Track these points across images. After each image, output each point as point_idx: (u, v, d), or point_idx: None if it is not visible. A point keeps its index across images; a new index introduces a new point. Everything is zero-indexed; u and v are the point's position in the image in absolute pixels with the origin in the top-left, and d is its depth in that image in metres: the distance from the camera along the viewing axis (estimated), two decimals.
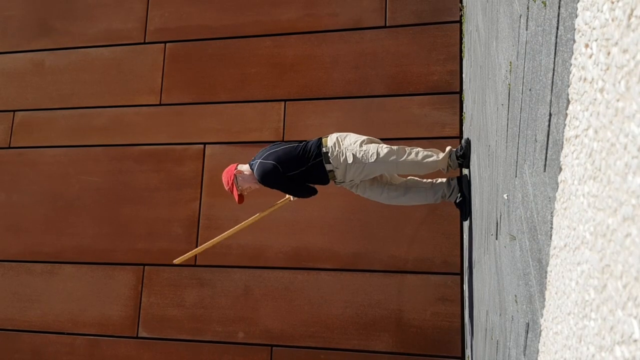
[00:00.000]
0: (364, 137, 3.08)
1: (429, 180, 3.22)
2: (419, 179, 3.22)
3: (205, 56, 4.85)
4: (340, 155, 2.98)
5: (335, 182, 3.12)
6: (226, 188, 3.16)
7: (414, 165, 3.02)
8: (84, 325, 4.59)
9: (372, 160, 2.95)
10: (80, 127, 4.99)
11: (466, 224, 3.56)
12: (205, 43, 4.88)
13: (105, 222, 4.73)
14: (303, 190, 3.11)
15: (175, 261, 3.45)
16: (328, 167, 2.99)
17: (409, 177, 3.22)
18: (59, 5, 5.32)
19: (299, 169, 2.99)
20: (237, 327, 4.29)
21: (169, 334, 4.41)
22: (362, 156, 2.97)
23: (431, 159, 3.03)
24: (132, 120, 4.88)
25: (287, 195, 3.26)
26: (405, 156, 2.99)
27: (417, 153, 3.03)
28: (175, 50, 4.93)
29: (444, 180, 3.21)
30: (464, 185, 3.14)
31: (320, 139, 3.08)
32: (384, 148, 3.00)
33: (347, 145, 3.01)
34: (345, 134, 3.11)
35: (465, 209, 3.16)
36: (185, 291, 4.45)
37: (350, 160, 2.96)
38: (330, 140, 3.05)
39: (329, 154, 2.98)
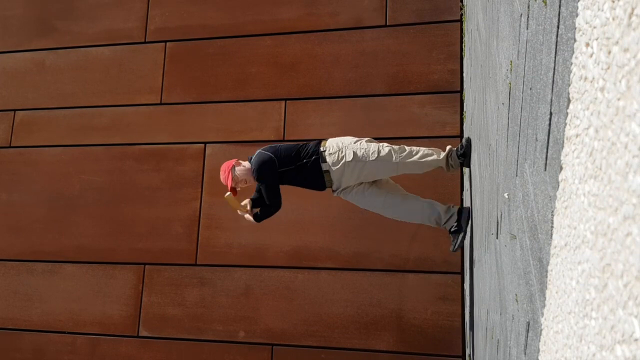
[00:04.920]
0: (364, 138, 3.09)
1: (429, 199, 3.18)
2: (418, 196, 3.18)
3: (205, 55, 4.85)
4: (340, 153, 2.97)
5: (332, 189, 3.10)
6: (222, 177, 3.12)
7: (414, 164, 3.01)
8: (84, 324, 4.59)
9: (373, 158, 2.95)
10: (81, 127, 4.99)
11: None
12: (205, 42, 4.88)
13: (105, 221, 4.74)
14: (275, 200, 3.03)
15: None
16: (324, 166, 2.97)
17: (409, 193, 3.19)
18: (60, 4, 5.32)
19: (293, 164, 3.00)
20: (238, 326, 4.29)
21: (169, 333, 4.42)
22: (363, 154, 2.96)
23: (431, 157, 3.03)
24: (132, 119, 4.89)
25: (246, 201, 3.17)
26: (405, 155, 2.99)
27: (417, 152, 3.03)
28: (176, 50, 4.93)
29: (444, 205, 3.13)
30: (463, 216, 3.03)
31: (321, 140, 3.11)
32: (384, 147, 3.00)
33: (347, 143, 3.02)
34: (343, 137, 3.13)
35: (457, 239, 3.03)
36: (186, 290, 4.45)
37: (349, 157, 2.95)
38: (331, 141, 3.07)
39: (326, 152, 2.99)
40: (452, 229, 3.06)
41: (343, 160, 2.95)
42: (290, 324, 4.20)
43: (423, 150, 3.05)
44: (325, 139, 3.12)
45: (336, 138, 3.12)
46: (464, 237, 3.02)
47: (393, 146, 3.02)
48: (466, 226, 3.02)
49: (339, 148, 2.99)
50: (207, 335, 4.34)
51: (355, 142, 3.03)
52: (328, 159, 2.96)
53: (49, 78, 5.18)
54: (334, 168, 2.96)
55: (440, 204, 3.12)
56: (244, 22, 4.83)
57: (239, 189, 3.15)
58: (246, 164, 3.12)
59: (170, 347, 4.40)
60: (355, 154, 2.96)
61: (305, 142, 3.14)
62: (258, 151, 3.09)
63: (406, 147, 3.04)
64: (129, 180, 4.77)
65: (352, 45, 4.53)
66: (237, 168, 3.09)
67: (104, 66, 5.07)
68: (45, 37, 5.28)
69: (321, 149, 3.01)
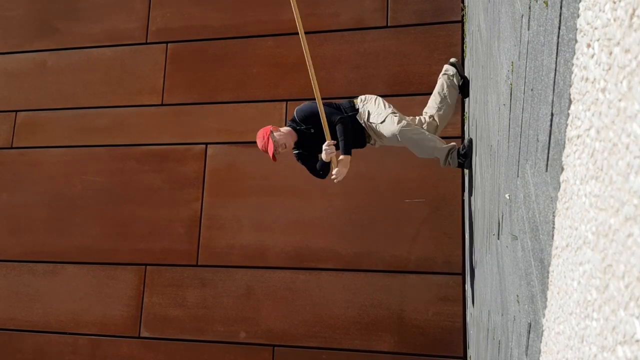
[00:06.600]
0: (388, 105, 3.26)
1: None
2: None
3: (206, 56, 4.85)
4: (363, 112, 3.22)
5: (370, 142, 3.27)
6: (260, 145, 3.14)
7: (415, 142, 3.10)
8: (86, 325, 4.60)
9: (379, 120, 3.15)
10: (83, 127, 4.99)
11: (467, 224, 3.56)
12: (206, 43, 4.88)
13: (107, 222, 4.74)
14: (346, 121, 3.10)
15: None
16: (360, 122, 3.21)
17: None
18: (61, 5, 5.32)
19: (343, 114, 3.19)
20: (239, 327, 4.29)
21: (170, 334, 4.42)
22: (375, 116, 3.18)
23: (432, 143, 3.11)
24: (134, 120, 4.89)
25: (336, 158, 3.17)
26: (410, 129, 3.10)
27: (423, 133, 3.14)
28: (177, 51, 4.93)
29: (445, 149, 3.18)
30: (467, 151, 3.12)
31: (353, 98, 3.32)
32: (395, 117, 3.14)
33: (369, 105, 3.25)
34: (370, 95, 3.34)
35: (467, 158, 3.10)
36: (187, 291, 4.45)
37: (365, 116, 3.21)
38: (359, 99, 3.30)
39: (360, 109, 3.23)
40: (462, 152, 3.13)
41: (363, 119, 3.20)
42: (291, 324, 4.20)
43: (429, 134, 3.15)
44: (357, 97, 3.32)
45: (364, 95, 3.32)
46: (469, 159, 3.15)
47: (405, 120, 3.15)
48: (470, 152, 3.13)
49: (363, 108, 3.24)
50: (208, 336, 4.34)
51: (375, 104, 3.23)
52: (358, 117, 3.22)
53: (51, 79, 5.19)
54: (365, 125, 3.22)
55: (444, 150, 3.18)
56: (245, 23, 4.83)
57: (278, 154, 3.15)
58: (284, 129, 3.19)
59: (171, 348, 4.40)
60: (369, 114, 3.20)
61: (337, 103, 3.28)
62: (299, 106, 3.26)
63: (416, 126, 3.20)
64: (130, 180, 4.78)
65: (353, 46, 4.53)
66: (275, 133, 3.12)
67: (106, 67, 5.08)
68: (47, 38, 5.29)
69: (356, 106, 3.25)
